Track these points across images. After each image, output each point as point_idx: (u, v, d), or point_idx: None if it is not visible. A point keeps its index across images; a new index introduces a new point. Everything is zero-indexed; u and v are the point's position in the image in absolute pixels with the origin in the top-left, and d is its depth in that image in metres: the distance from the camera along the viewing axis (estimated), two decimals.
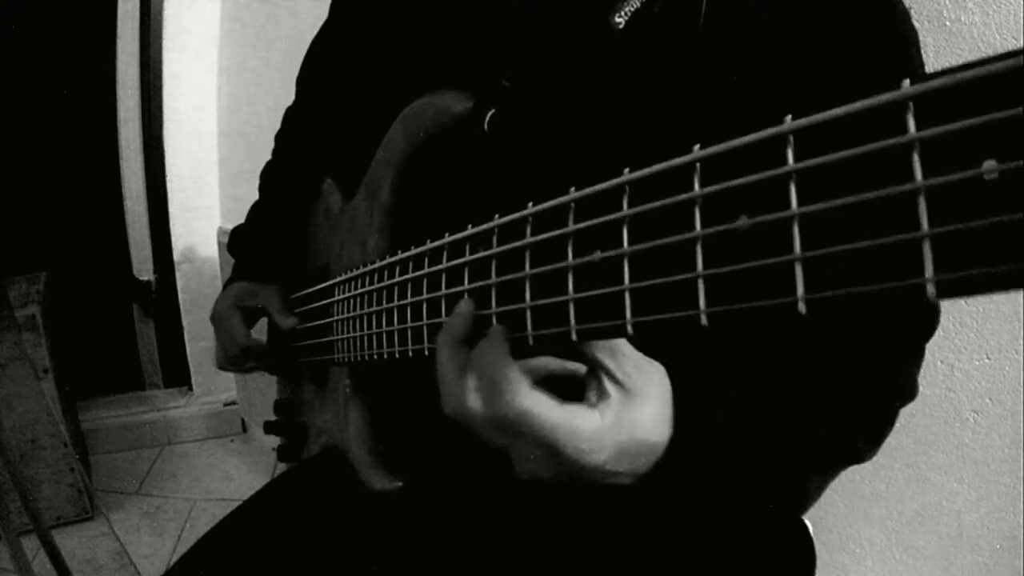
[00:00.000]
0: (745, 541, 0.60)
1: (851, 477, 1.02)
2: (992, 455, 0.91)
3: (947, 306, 0.90)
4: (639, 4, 0.50)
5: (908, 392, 0.53)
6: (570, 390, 0.39)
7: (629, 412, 0.37)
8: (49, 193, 2.24)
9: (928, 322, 0.53)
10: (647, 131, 0.31)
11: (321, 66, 0.87)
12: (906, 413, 0.53)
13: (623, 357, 0.37)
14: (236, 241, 0.95)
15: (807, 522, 0.69)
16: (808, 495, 0.51)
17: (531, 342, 0.37)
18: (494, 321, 0.40)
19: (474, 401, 0.39)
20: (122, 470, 2.18)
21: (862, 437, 0.51)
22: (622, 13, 0.51)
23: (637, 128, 0.47)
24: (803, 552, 0.66)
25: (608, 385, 0.37)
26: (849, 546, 1.05)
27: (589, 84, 0.53)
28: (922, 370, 0.55)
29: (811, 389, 0.48)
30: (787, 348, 0.47)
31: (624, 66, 0.51)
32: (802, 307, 0.25)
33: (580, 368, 0.40)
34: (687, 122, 0.30)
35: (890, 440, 0.52)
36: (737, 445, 0.44)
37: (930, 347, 0.54)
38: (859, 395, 0.50)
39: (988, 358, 0.88)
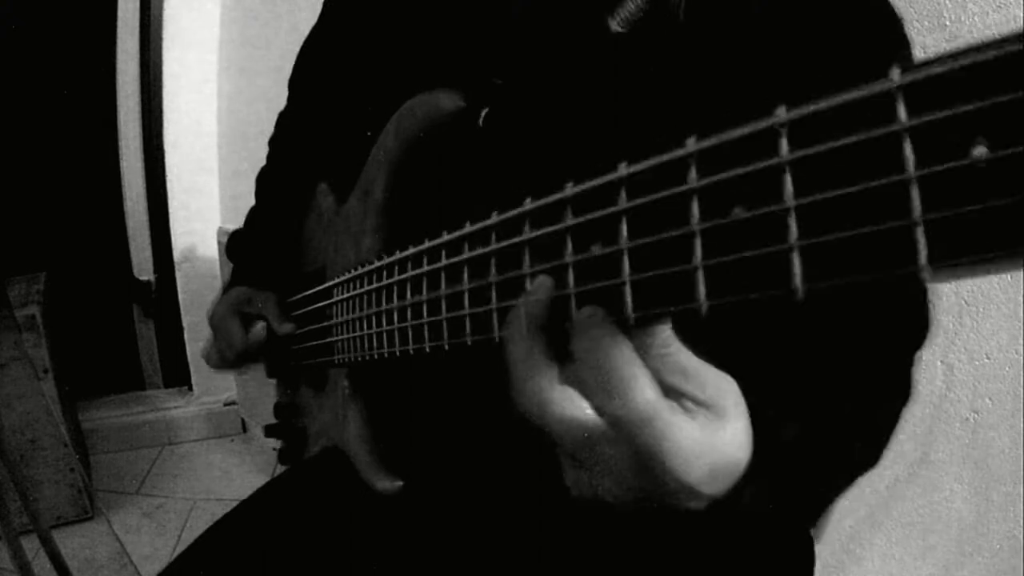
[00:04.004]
0: (744, 541, 0.60)
1: None
2: (992, 455, 0.91)
3: (947, 306, 0.90)
4: (636, 8, 0.51)
5: (909, 393, 0.54)
6: None
7: (720, 428, 0.34)
8: (49, 193, 2.24)
9: (920, 332, 0.53)
10: (643, 132, 0.31)
11: (313, 69, 0.87)
12: (905, 413, 0.54)
13: (697, 376, 0.34)
14: (234, 246, 0.96)
15: None
16: (830, 507, 0.50)
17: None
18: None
19: (568, 399, 0.34)
20: (122, 470, 2.18)
21: (876, 443, 0.51)
22: (620, 17, 0.51)
23: (633, 128, 0.48)
24: (803, 552, 0.66)
25: (689, 405, 0.34)
26: (849, 546, 1.05)
27: (585, 84, 0.53)
28: (922, 370, 0.55)
29: (826, 400, 0.48)
30: (795, 363, 0.47)
31: (621, 68, 0.51)
32: (800, 294, 0.25)
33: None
34: (683, 121, 0.30)
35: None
36: (796, 461, 0.43)
37: (930, 347, 0.54)
38: (868, 401, 0.50)
39: (988, 358, 0.88)
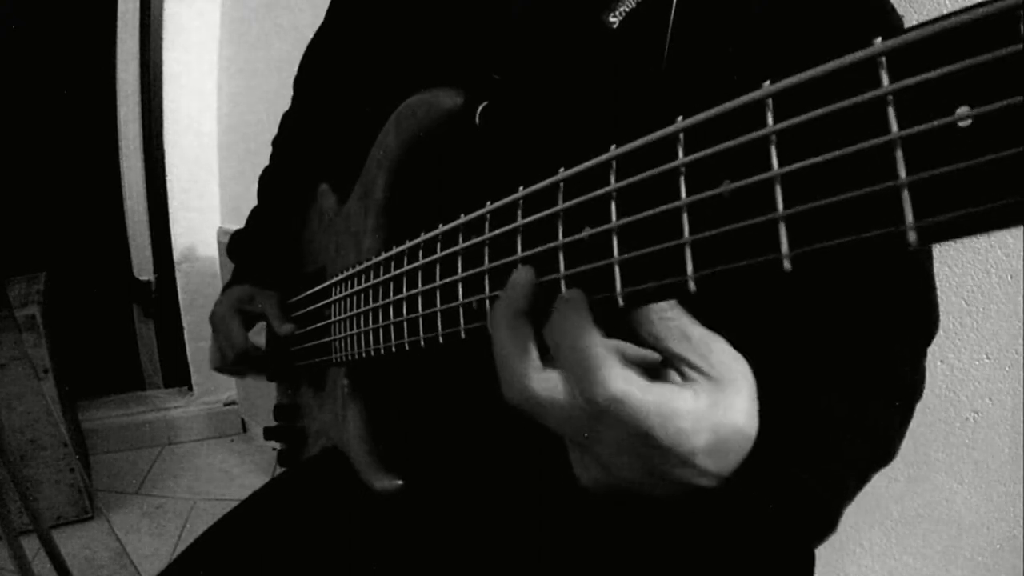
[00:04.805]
0: (743, 539, 0.60)
1: None
2: (992, 455, 0.91)
3: (947, 306, 0.90)
4: (634, 4, 0.51)
5: (920, 388, 0.54)
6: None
7: (723, 397, 0.33)
8: (49, 193, 2.24)
9: (928, 327, 0.53)
10: (640, 127, 0.31)
11: (317, 70, 0.87)
12: (916, 408, 0.54)
13: (701, 343, 0.33)
14: (235, 245, 0.96)
15: None
16: (844, 508, 0.49)
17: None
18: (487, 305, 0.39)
19: (551, 385, 0.34)
20: (122, 470, 2.18)
21: (887, 438, 0.51)
22: (617, 13, 0.51)
23: (630, 124, 0.48)
24: (802, 552, 0.66)
25: (691, 373, 0.33)
26: (849, 546, 1.05)
27: (581, 78, 0.54)
28: None
29: (833, 393, 0.48)
30: (801, 356, 0.47)
31: (617, 62, 0.51)
32: (787, 264, 0.25)
33: (652, 354, 0.35)
34: (679, 112, 0.30)
35: None
36: (813, 447, 0.42)
37: (930, 347, 0.54)
38: (876, 396, 0.50)
39: (988, 358, 0.88)
